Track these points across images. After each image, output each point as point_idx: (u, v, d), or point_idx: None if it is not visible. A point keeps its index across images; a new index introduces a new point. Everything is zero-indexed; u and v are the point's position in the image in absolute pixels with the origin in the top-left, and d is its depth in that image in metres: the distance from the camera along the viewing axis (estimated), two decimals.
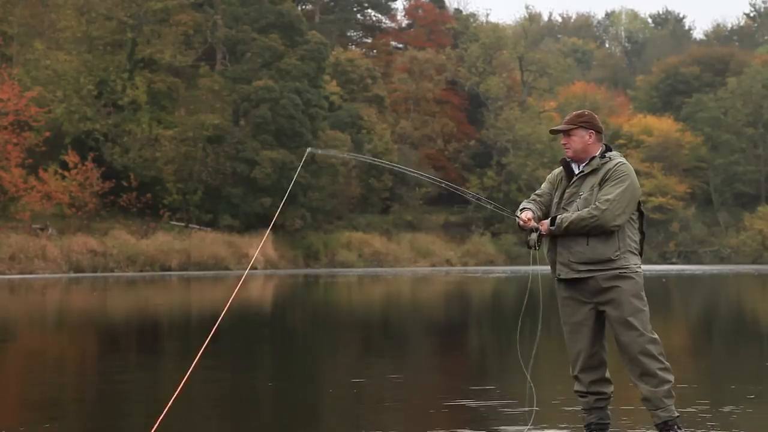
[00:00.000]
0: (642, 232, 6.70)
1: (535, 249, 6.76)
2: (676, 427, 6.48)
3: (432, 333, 17.18)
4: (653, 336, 6.51)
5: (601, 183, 6.57)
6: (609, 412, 6.72)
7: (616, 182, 6.52)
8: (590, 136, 6.69)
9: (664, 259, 71.49)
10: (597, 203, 6.51)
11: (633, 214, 6.61)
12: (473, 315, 21.91)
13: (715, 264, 68.10)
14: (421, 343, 15.27)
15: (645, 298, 6.56)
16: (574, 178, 6.71)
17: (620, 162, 6.61)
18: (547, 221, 6.69)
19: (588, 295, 6.60)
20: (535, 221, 6.72)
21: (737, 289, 34.92)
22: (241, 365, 11.66)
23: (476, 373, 11.24)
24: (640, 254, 6.67)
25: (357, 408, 8.58)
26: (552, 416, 7.72)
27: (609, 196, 6.49)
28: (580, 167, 6.71)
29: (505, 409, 8.15)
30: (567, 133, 6.72)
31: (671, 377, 6.52)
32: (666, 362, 6.51)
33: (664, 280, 38.92)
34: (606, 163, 6.62)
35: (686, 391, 8.91)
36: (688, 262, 70.31)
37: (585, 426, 6.72)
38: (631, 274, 6.52)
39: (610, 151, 6.74)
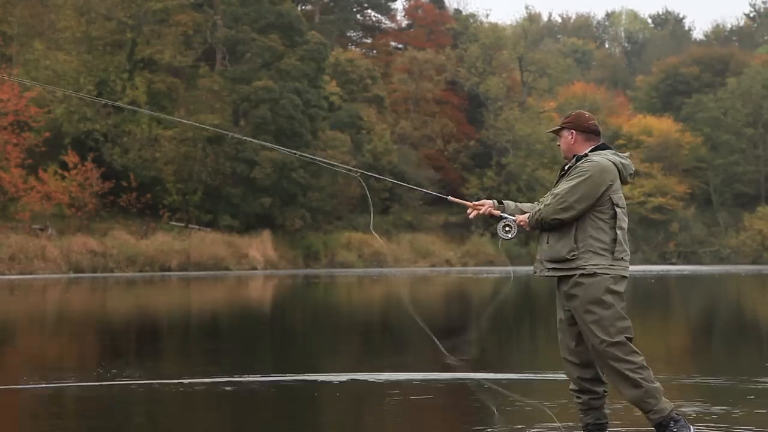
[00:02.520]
0: (614, 231, 6.56)
1: (502, 238, 6.89)
2: (671, 423, 6.44)
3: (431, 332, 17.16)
4: (617, 339, 6.41)
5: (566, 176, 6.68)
6: (606, 411, 6.71)
7: (571, 178, 6.58)
8: (572, 135, 6.77)
9: (663, 260, 71.51)
10: (543, 198, 6.64)
11: (602, 212, 6.55)
12: (472, 315, 21.90)
13: (715, 264, 68.10)
14: (419, 343, 15.27)
15: (607, 300, 6.44)
16: (559, 177, 6.83)
17: (588, 159, 6.61)
18: (525, 216, 6.80)
19: (562, 297, 6.65)
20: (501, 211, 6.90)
21: (730, 289, 34.92)
22: (238, 366, 11.66)
23: (475, 370, 11.24)
24: (612, 253, 6.56)
25: (348, 410, 8.58)
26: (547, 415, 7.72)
27: (555, 191, 6.59)
28: (565, 167, 6.83)
29: (503, 406, 8.15)
30: (558, 134, 6.88)
31: (644, 375, 6.41)
32: (636, 359, 6.41)
33: (652, 280, 38.90)
34: (582, 160, 6.66)
35: (686, 390, 8.91)
36: (688, 263, 70.33)
37: (583, 427, 6.72)
38: (588, 280, 6.45)
39: (603, 150, 6.72)
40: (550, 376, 10.28)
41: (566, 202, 6.49)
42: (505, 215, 6.84)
